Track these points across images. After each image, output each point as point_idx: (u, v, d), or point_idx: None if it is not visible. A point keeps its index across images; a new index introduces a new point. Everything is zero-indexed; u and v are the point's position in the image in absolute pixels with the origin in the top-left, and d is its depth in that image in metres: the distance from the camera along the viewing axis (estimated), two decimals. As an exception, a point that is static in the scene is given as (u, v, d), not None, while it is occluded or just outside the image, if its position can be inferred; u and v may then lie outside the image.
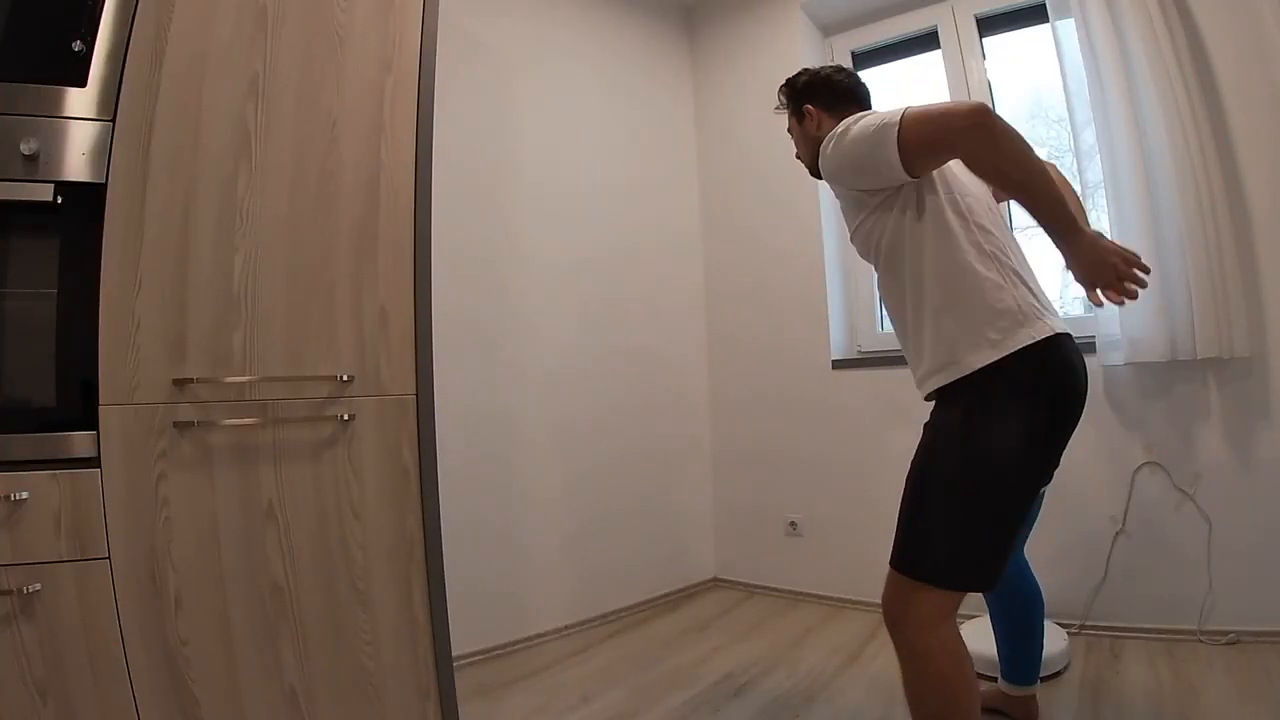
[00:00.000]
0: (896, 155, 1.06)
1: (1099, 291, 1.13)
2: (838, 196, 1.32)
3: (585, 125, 2.59)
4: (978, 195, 1.22)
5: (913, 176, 1.11)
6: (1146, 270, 1.10)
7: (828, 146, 1.19)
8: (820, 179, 1.30)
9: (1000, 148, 1.01)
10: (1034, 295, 1.16)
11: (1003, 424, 1.07)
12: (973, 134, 1.01)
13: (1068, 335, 1.15)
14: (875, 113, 1.15)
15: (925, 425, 1.18)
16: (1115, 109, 1.91)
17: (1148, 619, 1.93)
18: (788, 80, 1.45)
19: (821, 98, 1.38)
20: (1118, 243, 1.13)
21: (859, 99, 1.40)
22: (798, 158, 1.46)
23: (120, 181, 1.10)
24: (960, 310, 1.12)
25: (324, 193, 1.29)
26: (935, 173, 1.17)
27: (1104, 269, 1.08)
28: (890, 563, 1.15)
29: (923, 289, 1.17)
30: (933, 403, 1.21)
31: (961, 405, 1.11)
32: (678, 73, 2.98)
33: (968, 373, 1.09)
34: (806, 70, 1.44)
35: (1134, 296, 1.10)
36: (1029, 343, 1.08)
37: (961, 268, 1.13)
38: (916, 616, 1.10)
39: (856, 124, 1.14)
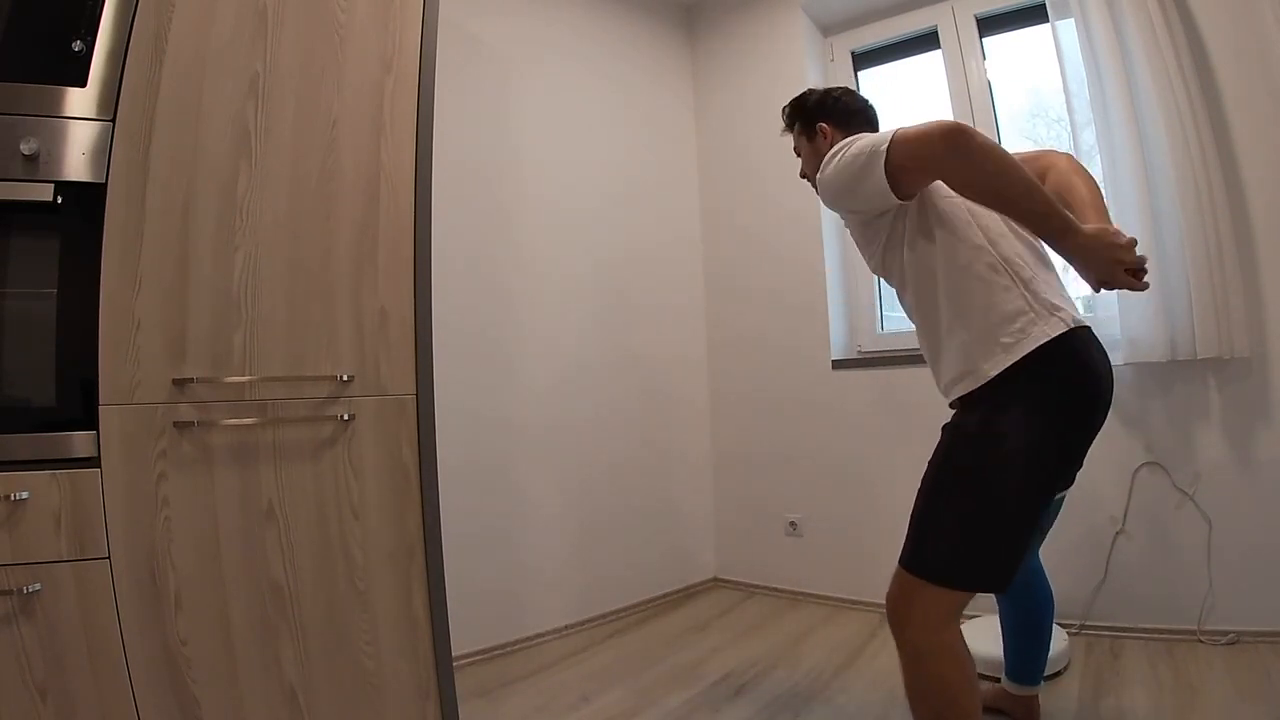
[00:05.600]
0: (885, 181, 1.07)
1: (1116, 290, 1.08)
2: (847, 226, 1.33)
3: (585, 125, 2.59)
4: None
5: (902, 199, 1.11)
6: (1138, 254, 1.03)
7: (824, 170, 1.20)
8: None
9: (973, 162, 1.00)
10: (1048, 292, 1.14)
11: (1020, 426, 1.07)
12: (946, 151, 1.01)
13: (1086, 329, 1.14)
14: (866, 137, 1.14)
15: (944, 426, 1.19)
16: (1115, 109, 1.91)
17: (1148, 619, 1.93)
18: (796, 100, 1.46)
19: (835, 117, 1.40)
20: (1114, 227, 1.06)
21: (869, 120, 1.42)
22: (803, 176, 1.47)
23: (120, 181, 1.10)
24: (971, 319, 1.13)
25: (324, 193, 1.29)
26: (939, 188, 1.17)
27: (1105, 265, 1.01)
28: (900, 561, 1.15)
29: (938, 304, 1.18)
30: (953, 406, 1.22)
31: (982, 408, 1.12)
32: (678, 72, 2.98)
33: (985, 381, 1.10)
34: (814, 90, 1.46)
35: (1142, 282, 1.03)
36: (1044, 340, 1.07)
37: (970, 279, 1.14)
38: (921, 616, 1.10)
39: (850, 148, 1.14)
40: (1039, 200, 1.01)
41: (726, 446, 2.87)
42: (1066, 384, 1.10)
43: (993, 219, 1.19)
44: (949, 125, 1.01)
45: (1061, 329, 1.09)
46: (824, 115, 1.40)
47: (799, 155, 1.47)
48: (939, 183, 1.17)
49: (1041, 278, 1.17)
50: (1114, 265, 1.01)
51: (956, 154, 1.00)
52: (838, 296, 2.63)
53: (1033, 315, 1.10)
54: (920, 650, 1.10)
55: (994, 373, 1.09)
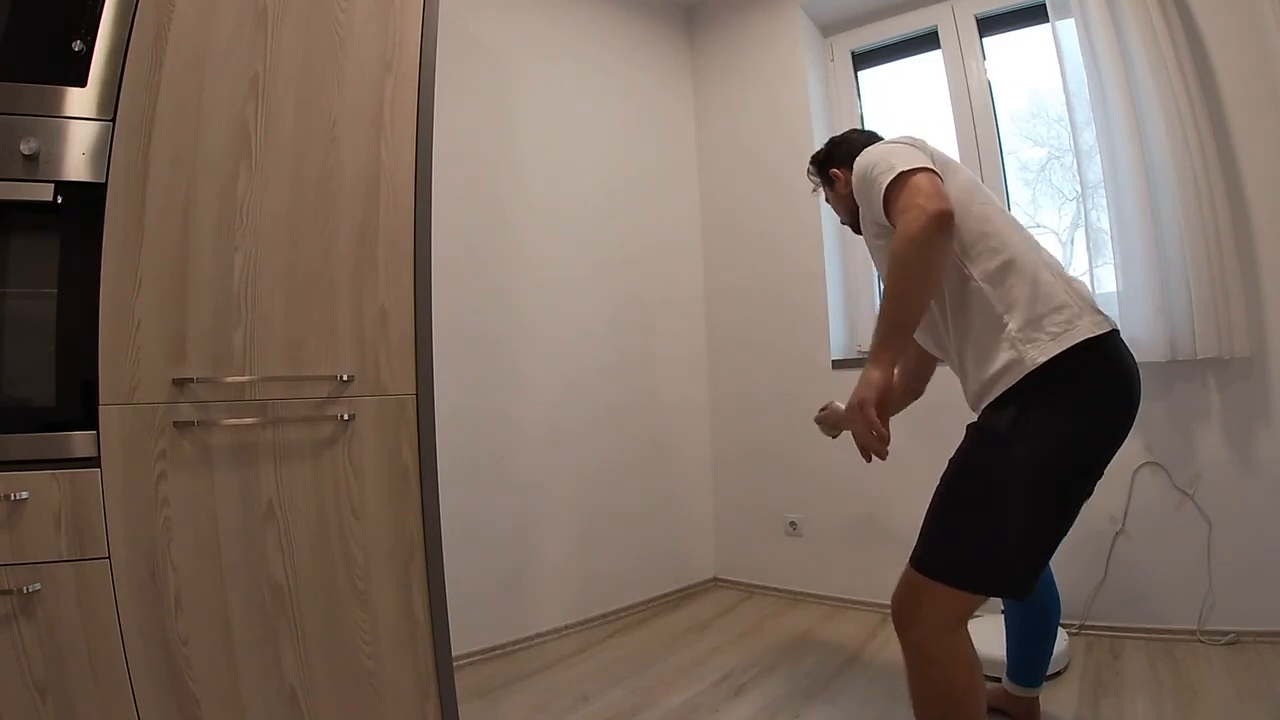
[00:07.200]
0: (881, 205, 1.14)
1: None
2: (868, 242, 1.33)
3: (585, 125, 2.59)
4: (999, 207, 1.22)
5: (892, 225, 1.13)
6: (884, 454, 1.07)
7: (857, 168, 1.23)
8: (860, 234, 1.36)
9: (915, 255, 1.04)
10: (1085, 292, 1.14)
11: (1051, 429, 1.04)
12: (907, 233, 1.04)
13: (1118, 333, 1.13)
14: (889, 149, 1.17)
15: (969, 425, 1.15)
16: (1115, 109, 1.91)
17: (1148, 619, 1.93)
18: (811, 158, 1.58)
19: (841, 159, 1.46)
20: (868, 405, 1.08)
21: None
22: (844, 223, 1.55)
23: (120, 181, 1.10)
24: (1016, 309, 1.09)
25: (324, 193, 1.29)
26: (960, 189, 1.17)
27: (854, 414, 1.09)
28: (910, 561, 1.12)
29: (971, 302, 1.14)
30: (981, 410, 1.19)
31: (1016, 405, 1.07)
32: (678, 72, 2.98)
33: (1031, 370, 1.05)
34: (823, 145, 1.57)
35: (865, 457, 1.09)
36: (1088, 336, 1.06)
37: (1010, 272, 1.11)
38: (929, 618, 1.07)
39: (873, 153, 1.19)
40: (900, 319, 1.09)
41: (726, 446, 2.87)
42: (1105, 386, 1.08)
43: (1007, 215, 1.20)
44: (936, 217, 1.03)
45: (1107, 328, 1.09)
46: (833, 163, 1.50)
47: (831, 205, 1.57)
48: (967, 188, 1.18)
49: (1072, 279, 1.16)
50: (854, 414, 1.09)
51: (912, 242, 1.04)
52: (837, 296, 2.63)
53: (1077, 309, 1.08)
54: (927, 652, 1.08)
55: (1042, 359, 1.04)
